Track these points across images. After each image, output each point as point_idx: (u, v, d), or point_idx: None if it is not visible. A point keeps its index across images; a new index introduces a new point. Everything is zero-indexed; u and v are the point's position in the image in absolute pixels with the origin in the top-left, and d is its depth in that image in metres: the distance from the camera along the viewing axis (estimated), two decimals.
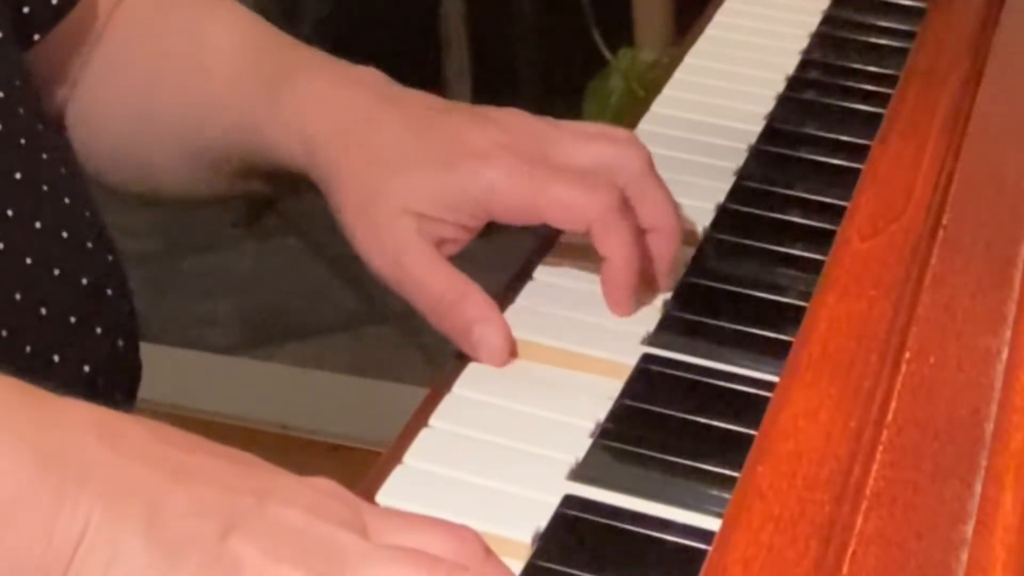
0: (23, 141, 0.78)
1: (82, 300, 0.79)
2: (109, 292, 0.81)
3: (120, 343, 0.81)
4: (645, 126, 0.97)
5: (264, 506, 0.59)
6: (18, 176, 0.77)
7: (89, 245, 0.80)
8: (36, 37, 0.85)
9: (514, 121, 0.82)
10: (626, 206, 0.79)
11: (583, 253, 0.82)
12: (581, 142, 0.81)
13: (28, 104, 0.80)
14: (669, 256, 0.81)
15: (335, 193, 0.81)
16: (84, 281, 0.79)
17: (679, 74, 1.02)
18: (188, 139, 0.88)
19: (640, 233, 0.80)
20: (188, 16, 0.90)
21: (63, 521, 0.57)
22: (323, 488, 0.62)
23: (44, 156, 0.79)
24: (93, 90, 0.90)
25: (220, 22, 0.89)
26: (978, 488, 0.60)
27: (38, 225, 0.77)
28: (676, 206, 0.81)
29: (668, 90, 1.01)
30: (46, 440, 0.59)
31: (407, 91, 0.84)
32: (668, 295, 0.81)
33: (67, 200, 0.80)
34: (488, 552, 0.62)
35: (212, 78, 0.87)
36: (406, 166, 0.80)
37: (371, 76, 0.85)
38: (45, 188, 0.78)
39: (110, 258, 0.82)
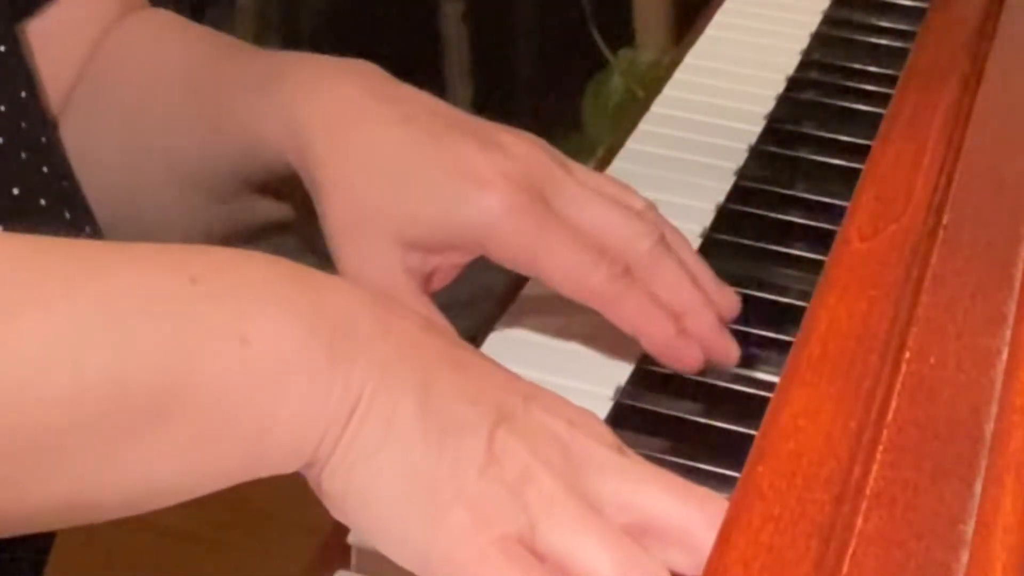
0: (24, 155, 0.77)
1: None
2: None
3: None
4: (645, 126, 0.97)
5: (531, 409, 0.60)
6: (16, 192, 0.75)
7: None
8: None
9: (524, 150, 0.75)
10: (629, 273, 0.74)
11: None
12: (589, 197, 0.75)
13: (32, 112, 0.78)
14: (711, 332, 0.75)
15: (321, 198, 0.76)
16: None
17: (679, 74, 1.02)
18: (179, 159, 0.84)
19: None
20: (167, 37, 0.87)
21: (339, 385, 0.57)
22: (583, 411, 0.63)
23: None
24: (81, 118, 0.86)
25: (197, 38, 0.86)
26: (978, 488, 0.60)
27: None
28: (694, 279, 0.75)
29: (668, 90, 1.01)
30: (318, 310, 0.58)
31: (405, 89, 0.79)
32: None
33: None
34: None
35: (199, 86, 0.83)
36: (400, 184, 0.74)
37: (365, 67, 0.79)
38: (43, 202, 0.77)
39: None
